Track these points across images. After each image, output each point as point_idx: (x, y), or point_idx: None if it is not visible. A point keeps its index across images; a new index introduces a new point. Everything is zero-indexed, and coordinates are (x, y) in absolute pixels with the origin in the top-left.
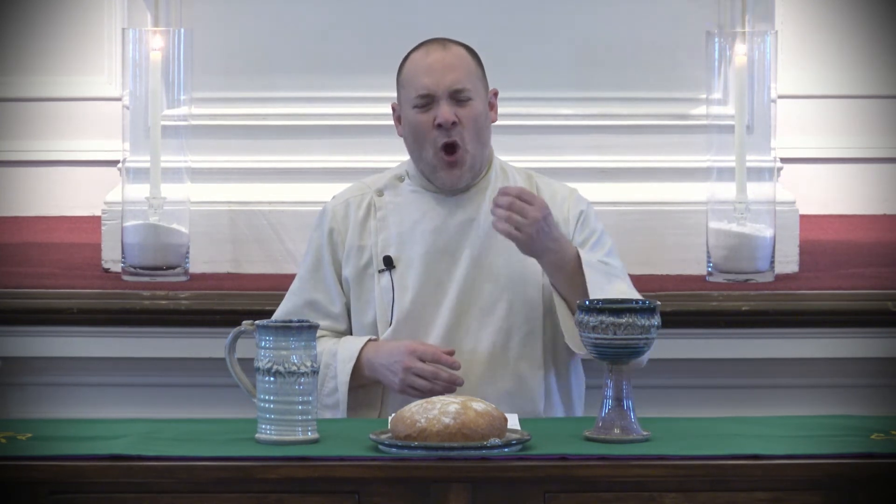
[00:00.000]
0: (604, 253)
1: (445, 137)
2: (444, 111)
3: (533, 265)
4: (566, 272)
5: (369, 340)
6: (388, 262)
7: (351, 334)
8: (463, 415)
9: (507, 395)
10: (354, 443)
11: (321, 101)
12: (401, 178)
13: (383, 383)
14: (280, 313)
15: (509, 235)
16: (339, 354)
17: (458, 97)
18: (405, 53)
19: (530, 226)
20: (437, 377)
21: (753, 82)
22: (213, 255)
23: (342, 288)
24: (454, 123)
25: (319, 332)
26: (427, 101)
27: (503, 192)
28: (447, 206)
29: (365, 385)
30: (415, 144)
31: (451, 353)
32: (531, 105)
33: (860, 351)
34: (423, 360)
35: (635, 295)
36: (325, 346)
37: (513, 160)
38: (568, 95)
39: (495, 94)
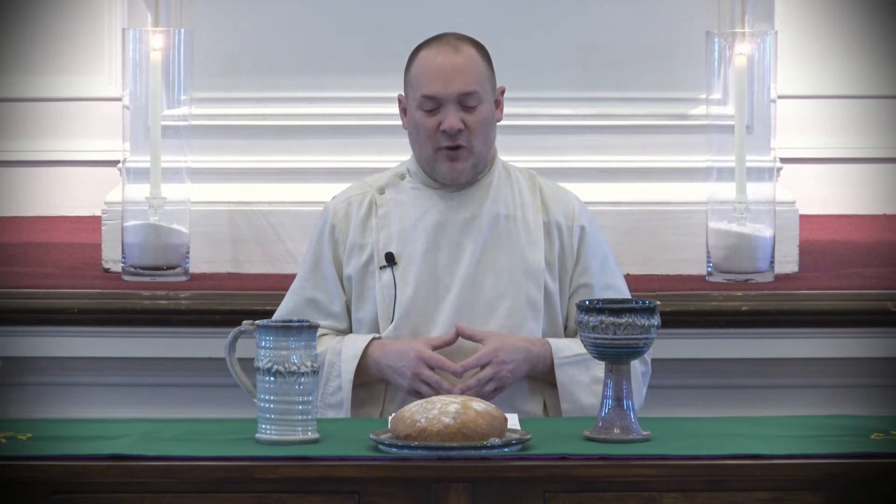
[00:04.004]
0: (609, 274)
1: (449, 142)
2: (451, 118)
3: (535, 265)
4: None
5: (374, 339)
6: (390, 259)
7: (352, 332)
8: (463, 415)
9: (508, 394)
10: (354, 443)
11: (321, 101)
12: (402, 176)
13: (390, 382)
14: (281, 313)
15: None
16: (343, 353)
17: (465, 103)
18: (407, 51)
19: (506, 378)
20: (441, 386)
21: (753, 82)
22: (213, 255)
23: (343, 287)
24: (460, 130)
25: (320, 331)
26: (433, 105)
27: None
28: (449, 202)
29: (367, 383)
30: (417, 141)
31: (456, 339)
32: (531, 105)
33: (860, 351)
34: (430, 367)
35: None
36: (329, 344)
37: (513, 160)
38: (568, 95)
39: (502, 91)
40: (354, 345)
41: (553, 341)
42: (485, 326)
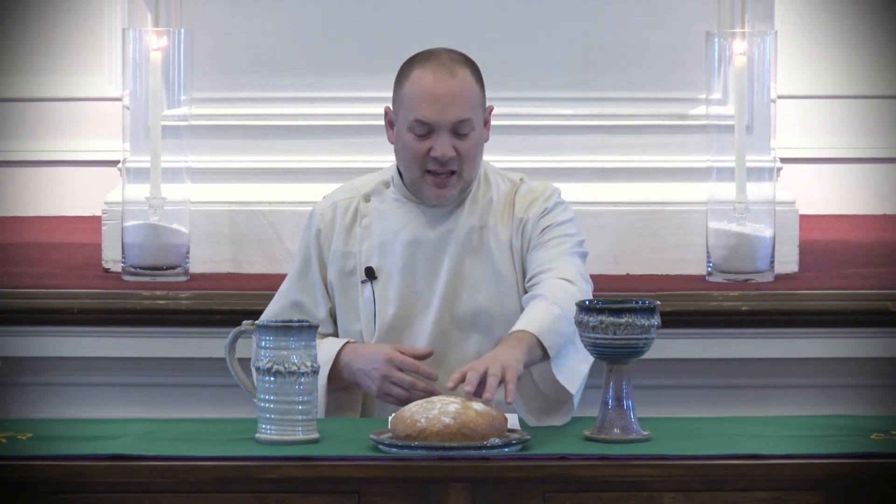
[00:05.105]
0: (563, 242)
1: (439, 167)
2: (443, 147)
3: (507, 275)
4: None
5: (347, 343)
6: (370, 274)
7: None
8: (463, 415)
9: (499, 402)
10: (354, 443)
11: (321, 101)
12: (387, 184)
13: (362, 387)
14: (267, 314)
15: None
16: (317, 358)
17: (458, 130)
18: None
19: (502, 374)
20: (415, 387)
21: (753, 82)
22: (213, 255)
23: (328, 292)
24: (451, 157)
25: None
26: (425, 130)
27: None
28: (428, 217)
29: (346, 387)
30: (404, 161)
31: (430, 354)
32: (531, 105)
33: (860, 351)
34: (401, 370)
35: (579, 281)
36: None
37: (512, 160)
38: (568, 95)
39: (490, 110)
40: (328, 349)
41: (528, 328)
42: (465, 341)
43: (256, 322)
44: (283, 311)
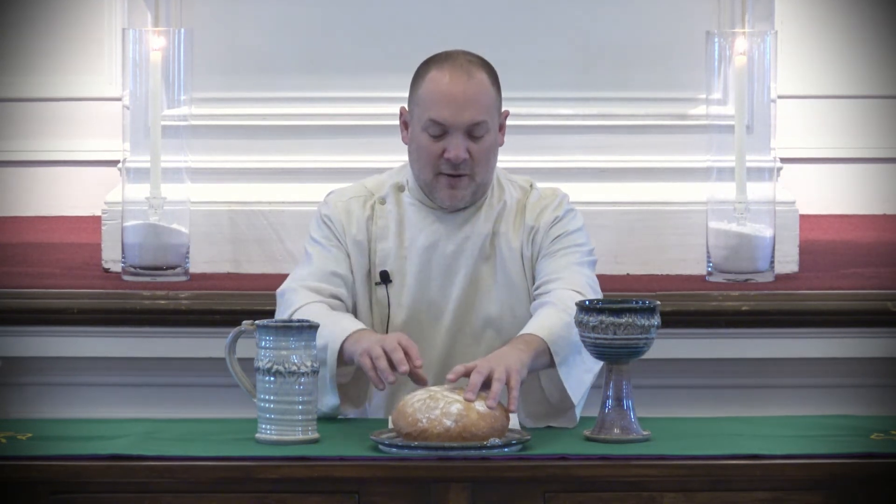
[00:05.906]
0: (573, 252)
1: (452, 170)
2: (457, 149)
3: (519, 282)
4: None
5: (366, 329)
6: (385, 277)
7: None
8: (465, 417)
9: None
10: (354, 443)
11: (321, 101)
12: (401, 188)
13: (355, 353)
14: (301, 276)
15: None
16: (335, 333)
17: (473, 132)
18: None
19: (506, 379)
20: (397, 362)
21: (753, 82)
22: (213, 255)
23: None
24: (464, 159)
25: (318, 300)
26: (440, 131)
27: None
28: (445, 223)
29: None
30: (418, 163)
31: (419, 366)
32: (531, 105)
33: (860, 351)
34: (404, 350)
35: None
36: (328, 320)
37: (512, 160)
38: (568, 95)
39: (506, 115)
40: (353, 325)
41: (538, 332)
42: (475, 347)
43: (258, 322)
44: (318, 273)
